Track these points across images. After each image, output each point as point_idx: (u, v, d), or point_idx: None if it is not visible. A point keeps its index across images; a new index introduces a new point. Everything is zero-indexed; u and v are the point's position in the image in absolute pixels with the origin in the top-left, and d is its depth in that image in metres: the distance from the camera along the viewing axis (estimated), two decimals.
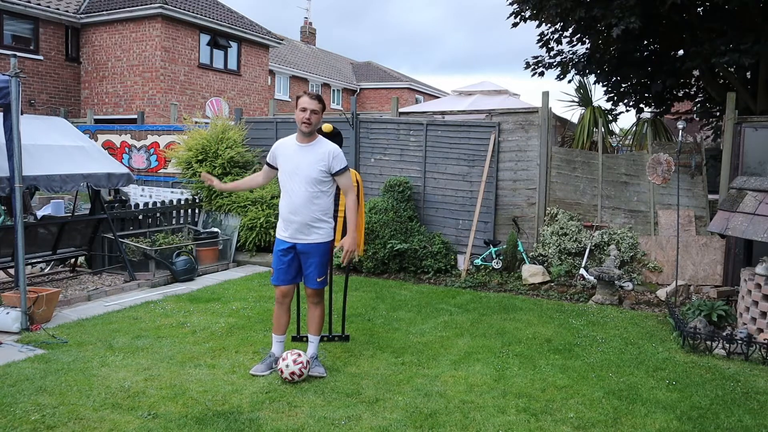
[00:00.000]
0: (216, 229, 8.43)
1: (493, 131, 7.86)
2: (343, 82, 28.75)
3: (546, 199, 7.71)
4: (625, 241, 7.17)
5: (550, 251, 7.42)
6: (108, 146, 10.83)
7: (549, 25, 9.01)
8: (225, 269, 8.07)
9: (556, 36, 9.26)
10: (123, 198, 9.96)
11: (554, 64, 9.39)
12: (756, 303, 5.04)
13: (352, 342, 4.92)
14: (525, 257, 7.54)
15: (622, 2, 7.03)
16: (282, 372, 3.96)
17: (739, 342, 4.75)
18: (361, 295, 6.56)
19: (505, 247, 7.64)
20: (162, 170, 10.40)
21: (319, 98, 4.01)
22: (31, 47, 15.51)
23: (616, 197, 7.43)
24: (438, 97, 24.40)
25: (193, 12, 16.18)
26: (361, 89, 29.86)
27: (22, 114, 5.13)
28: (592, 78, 9.20)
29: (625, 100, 9.55)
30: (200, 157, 8.68)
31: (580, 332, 5.37)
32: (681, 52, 8.87)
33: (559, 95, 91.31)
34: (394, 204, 7.80)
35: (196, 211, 8.90)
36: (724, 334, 4.91)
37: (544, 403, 3.79)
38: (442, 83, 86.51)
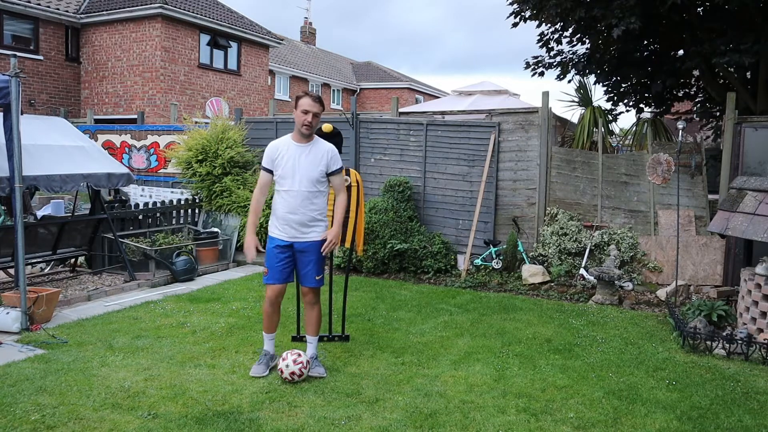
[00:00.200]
0: (216, 229, 8.43)
1: (493, 131, 7.86)
2: (343, 82, 28.75)
3: (546, 199, 7.71)
4: (625, 241, 7.17)
5: (550, 251, 7.41)
6: (108, 146, 10.83)
7: (549, 25, 9.01)
8: (225, 269, 8.07)
9: (556, 36, 9.26)
10: (123, 198, 9.96)
11: (554, 64, 9.39)
12: (756, 303, 5.04)
13: (352, 342, 4.92)
14: (525, 257, 7.54)
15: (622, 2, 7.02)
16: (282, 372, 3.96)
17: (739, 342, 4.75)
18: (361, 295, 6.56)
19: (505, 247, 7.64)
20: (162, 170, 10.40)
21: (320, 100, 4.05)
22: (31, 47, 15.51)
23: (616, 197, 7.43)
24: (438, 97, 24.39)
25: (193, 12, 16.19)
26: (361, 89, 29.86)
27: (22, 114, 5.13)
28: (592, 78, 9.20)
29: (625, 100, 9.55)
30: (200, 157, 8.68)
31: (580, 332, 5.37)
32: (681, 52, 8.87)
33: (559, 95, 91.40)
34: (394, 204, 7.79)
35: (196, 211, 8.90)
36: (724, 334, 4.91)
37: (544, 403, 3.79)
38: (442, 83, 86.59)
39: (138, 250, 7.22)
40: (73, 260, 7.41)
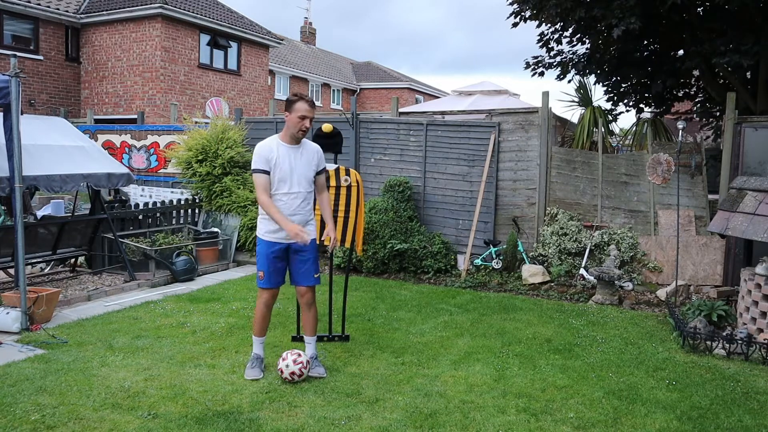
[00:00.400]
0: (216, 229, 8.43)
1: (493, 131, 7.86)
2: (343, 82, 28.75)
3: (546, 199, 7.71)
4: (625, 241, 7.17)
5: (550, 251, 7.41)
6: (108, 146, 10.83)
7: (549, 25, 9.01)
8: (225, 269, 8.07)
9: (556, 36, 9.26)
10: (123, 198, 9.96)
11: (554, 64, 9.39)
12: (756, 303, 5.04)
13: (352, 342, 4.92)
14: (525, 257, 7.54)
15: (622, 2, 7.02)
16: (282, 372, 3.96)
17: (739, 342, 4.75)
18: (361, 295, 6.56)
19: (505, 247, 7.64)
20: (162, 170, 10.40)
21: (314, 104, 4.10)
22: (31, 47, 15.51)
23: (616, 197, 7.43)
24: (438, 97, 24.40)
25: (193, 12, 16.19)
26: (361, 89, 29.87)
27: (22, 114, 5.13)
28: (592, 78, 9.20)
29: (625, 100, 9.55)
30: (200, 157, 8.68)
31: (580, 332, 5.37)
32: (681, 52, 8.87)
33: (559, 95, 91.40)
34: (394, 204, 7.79)
35: (196, 211, 8.90)
36: (724, 334, 4.91)
37: (544, 403, 3.79)
38: (442, 83, 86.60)
39: (138, 250, 7.22)
40: (73, 260, 7.41)
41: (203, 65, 17.00)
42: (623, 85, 9.38)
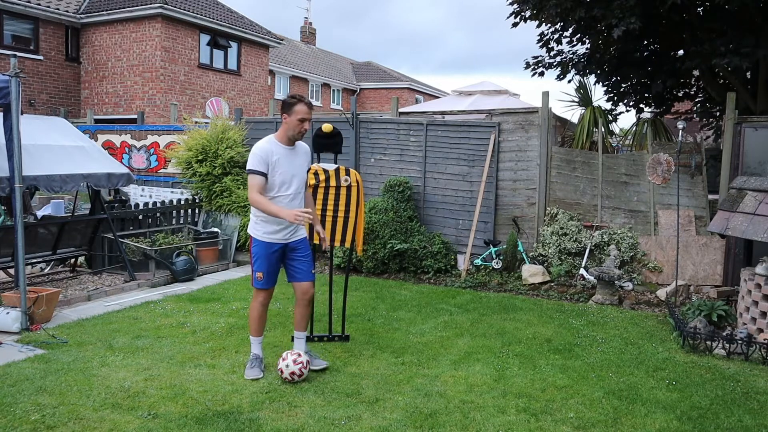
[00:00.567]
0: (216, 229, 8.43)
1: (493, 131, 7.86)
2: (343, 82, 28.75)
3: (546, 199, 7.71)
4: (625, 241, 7.17)
5: (550, 251, 7.41)
6: (108, 146, 10.83)
7: (549, 25, 9.01)
8: (225, 269, 8.07)
9: (556, 36, 9.26)
10: (123, 198, 9.96)
11: (554, 64, 9.38)
12: (756, 303, 5.04)
13: (352, 342, 4.92)
14: (525, 257, 7.54)
15: (622, 2, 7.02)
16: (282, 372, 3.97)
17: (739, 342, 4.75)
18: (361, 295, 6.56)
19: (505, 247, 7.64)
20: (162, 170, 10.40)
21: (312, 105, 4.13)
22: (31, 47, 15.51)
23: (616, 197, 7.43)
24: (438, 97, 24.40)
25: (193, 12, 16.19)
26: (361, 89, 29.87)
27: (22, 114, 5.13)
28: (592, 78, 9.20)
29: (625, 100, 9.55)
30: (200, 157, 8.68)
31: (580, 332, 5.37)
32: (681, 52, 8.87)
33: (559, 95, 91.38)
34: (394, 204, 7.79)
35: (196, 211, 8.90)
36: (724, 334, 4.91)
37: (544, 403, 3.79)
38: (442, 83, 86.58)
39: (138, 250, 7.22)
40: (73, 260, 7.41)
41: (203, 65, 17.00)
42: (623, 85, 9.38)
